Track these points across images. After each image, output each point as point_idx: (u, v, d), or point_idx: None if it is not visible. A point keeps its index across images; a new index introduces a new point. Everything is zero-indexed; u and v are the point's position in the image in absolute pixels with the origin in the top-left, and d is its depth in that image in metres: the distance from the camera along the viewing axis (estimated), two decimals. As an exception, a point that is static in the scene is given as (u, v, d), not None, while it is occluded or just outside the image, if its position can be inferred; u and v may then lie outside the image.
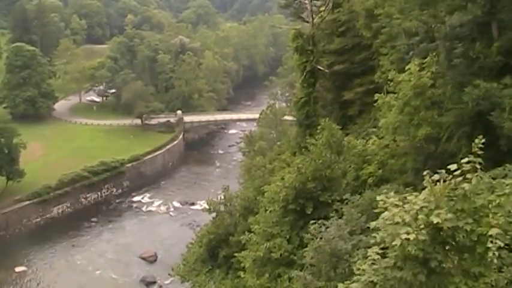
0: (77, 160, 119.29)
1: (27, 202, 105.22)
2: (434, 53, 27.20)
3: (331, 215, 27.70)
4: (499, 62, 25.76)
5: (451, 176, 13.49)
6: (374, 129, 36.19)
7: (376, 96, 30.91)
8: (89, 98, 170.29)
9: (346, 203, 28.44)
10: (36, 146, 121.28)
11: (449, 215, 12.94)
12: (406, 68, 27.51)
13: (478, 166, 13.32)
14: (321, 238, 25.50)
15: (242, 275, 39.29)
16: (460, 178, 13.31)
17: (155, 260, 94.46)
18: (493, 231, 12.66)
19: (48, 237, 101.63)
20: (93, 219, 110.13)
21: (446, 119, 26.55)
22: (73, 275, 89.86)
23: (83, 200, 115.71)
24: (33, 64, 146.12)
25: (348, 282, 16.31)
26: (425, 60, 27.15)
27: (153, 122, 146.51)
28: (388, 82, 29.83)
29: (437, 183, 13.58)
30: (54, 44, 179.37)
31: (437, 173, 13.73)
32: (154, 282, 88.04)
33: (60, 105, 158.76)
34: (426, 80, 26.57)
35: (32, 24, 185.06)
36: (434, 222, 12.88)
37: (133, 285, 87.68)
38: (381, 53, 42.77)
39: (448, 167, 13.55)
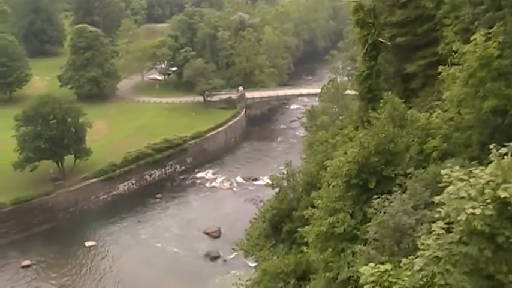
0: (141, 138, 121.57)
1: (94, 180, 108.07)
2: (501, 22, 26.39)
3: (395, 189, 27.41)
4: None
5: (519, 149, 13.18)
6: (438, 102, 35.47)
7: (440, 68, 30.27)
8: (151, 77, 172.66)
9: (410, 177, 28.08)
10: (101, 125, 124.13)
11: (517, 189, 12.66)
12: (471, 38, 26.78)
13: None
14: (384, 213, 25.32)
15: (305, 250, 39.43)
16: (529, 151, 12.99)
17: (219, 235, 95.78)
18: None
19: (115, 213, 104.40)
20: (158, 196, 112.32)
21: (514, 90, 25.81)
22: (139, 250, 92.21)
23: (147, 176, 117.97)
24: (96, 45, 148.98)
25: (412, 257, 16.21)
26: (492, 29, 26.37)
27: (215, 98, 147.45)
28: (452, 54, 29.14)
29: (505, 156, 13.29)
30: (115, 24, 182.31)
31: (504, 146, 13.42)
32: (218, 257, 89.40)
33: (123, 85, 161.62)
34: (492, 50, 25.82)
35: (94, 6, 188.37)
36: (502, 196, 12.63)
37: (198, 259, 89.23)
38: (444, 23, 41.74)
39: (516, 139, 13.23)
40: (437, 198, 14.32)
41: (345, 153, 33.57)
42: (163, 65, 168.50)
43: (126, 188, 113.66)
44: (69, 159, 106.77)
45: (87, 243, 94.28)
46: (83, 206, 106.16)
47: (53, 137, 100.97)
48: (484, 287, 13.77)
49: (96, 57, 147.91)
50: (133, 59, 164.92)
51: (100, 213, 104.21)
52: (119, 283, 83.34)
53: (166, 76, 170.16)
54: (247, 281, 54.06)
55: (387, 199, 26.27)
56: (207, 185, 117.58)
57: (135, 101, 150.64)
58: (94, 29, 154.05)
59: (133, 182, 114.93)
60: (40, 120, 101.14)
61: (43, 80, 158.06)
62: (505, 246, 13.29)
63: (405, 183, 27.92)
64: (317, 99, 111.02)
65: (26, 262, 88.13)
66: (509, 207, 12.88)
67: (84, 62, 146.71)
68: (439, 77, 30.93)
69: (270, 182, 56.41)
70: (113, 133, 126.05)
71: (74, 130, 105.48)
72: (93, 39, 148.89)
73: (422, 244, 15.16)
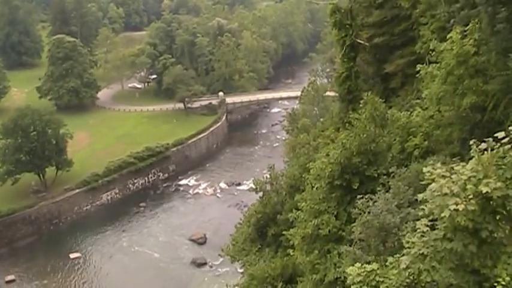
0: (123, 147, 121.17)
1: (77, 190, 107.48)
2: (476, 20, 26.61)
3: (378, 189, 27.54)
4: (545, 25, 25.08)
5: (498, 144, 13.30)
6: (417, 101, 35.74)
7: (418, 67, 30.47)
8: (130, 85, 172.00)
9: (393, 176, 28.22)
10: (83, 136, 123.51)
11: (499, 184, 12.77)
12: (448, 36, 26.98)
13: (527, 133, 13.09)
14: (368, 213, 25.43)
15: (291, 253, 39.50)
16: (509, 146, 13.12)
17: (205, 242, 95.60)
18: (545, 198, 12.47)
19: (99, 224, 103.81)
20: (142, 204, 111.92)
21: (492, 86, 26.00)
22: (124, 259, 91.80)
23: (130, 185, 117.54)
24: (74, 55, 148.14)
25: (398, 255, 16.32)
26: (467, 27, 26.59)
27: (195, 105, 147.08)
28: (430, 52, 29.34)
29: (485, 152, 13.40)
30: (93, 33, 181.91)
31: (484, 141, 13.54)
32: (205, 264, 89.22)
33: (103, 94, 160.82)
34: (469, 47, 26.04)
35: (71, 16, 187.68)
36: (484, 191, 12.74)
37: (184, 267, 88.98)
38: (420, 22, 42.07)
39: (496, 135, 13.35)
40: (420, 196, 14.41)
41: (327, 155, 33.63)
42: (142, 73, 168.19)
43: (109, 197, 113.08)
44: (50, 171, 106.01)
45: (72, 255, 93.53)
46: (67, 217, 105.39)
47: (33, 149, 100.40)
48: (470, 282, 13.88)
49: (74, 68, 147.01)
50: (112, 68, 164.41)
51: (84, 224, 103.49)
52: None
53: (146, 84, 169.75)
54: (234, 286, 54.03)
55: (371, 199, 26.39)
56: (191, 191, 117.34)
57: (116, 110, 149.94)
58: (72, 39, 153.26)
59: (117, 191, 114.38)
60: (20, 132, 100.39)
61: (22, 92, 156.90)
62: (489, 241, 13.40)
63: (388, 182, 28.05)
64: (297, 102, 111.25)
65: (10, 277, 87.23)
66: (491, 202, 13.00)
67: (63, 73, 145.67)
68: (417, 75, 31.13)
69: (253, 186, 56.42)
70: (94, 143, 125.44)
71: (54, 141, 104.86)
72: (71, 49, 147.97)
73: (408, 242, 15.25)
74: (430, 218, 14.20)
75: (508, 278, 12.82)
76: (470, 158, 13.69)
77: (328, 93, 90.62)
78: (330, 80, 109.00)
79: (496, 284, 12.89)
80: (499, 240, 13.45)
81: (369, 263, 18.25)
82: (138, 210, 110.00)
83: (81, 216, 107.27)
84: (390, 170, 29.05)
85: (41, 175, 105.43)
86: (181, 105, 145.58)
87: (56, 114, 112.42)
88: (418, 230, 14.65)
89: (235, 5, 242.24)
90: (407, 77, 44.28)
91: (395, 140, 32.86)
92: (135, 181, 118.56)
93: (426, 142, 30.39)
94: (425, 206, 14.01)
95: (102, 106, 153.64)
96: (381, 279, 16.46)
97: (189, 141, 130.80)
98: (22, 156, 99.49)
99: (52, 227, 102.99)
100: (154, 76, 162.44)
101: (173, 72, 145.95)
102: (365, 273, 16.98)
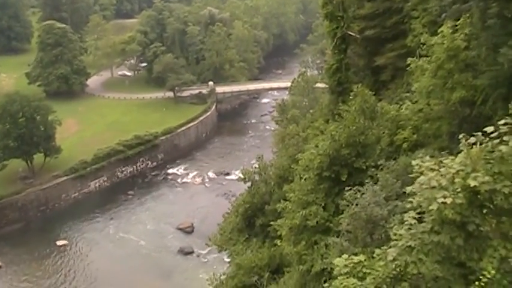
0: (112, 135, 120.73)
1: (65, 178, 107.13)
2: (467, 14, 26.67)
3: (366, 181, 27.64)
4: (535, 21, 25.15)
5: (487, 139, 13.38)
6: (407, 94, 35.80)
7: (409, 60, 30.53)
8: (120, 73, 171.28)
9: (381, 169, 28.34)
10: (71, 123, 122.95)
11: (487, 178, 12.86)
12: (439, 30, 27.04)
13: (515, 128, 13.16)
14: (356, 204, 25.53)
15: (279, 243, 39.64)
16: (497, 140, 13.19)
17: (192, 231, 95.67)
18: (532, 193, 12.56)
19: (86, 211, 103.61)
20: (130, 193, 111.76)
21: (481, 81, 26.08)
22: (111, 247, 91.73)
23: (119, 173, 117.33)
24: (64, 41, 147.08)
25: (385, 247, 16.39)
26: (459, 22, 26.64)
27: (185, 94, 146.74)
28: (421, 46, 29.40)
29: (474, 146, 13.48)
30: (84, 20, 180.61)
31: (473, 136, 13.61)
32: (192, 252, 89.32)
33: (93, 81, 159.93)
34: (460, 42, 26.11)
35: (62, 2, 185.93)
36: (472, 185, 12.82)
37: (172, 256, 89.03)
38: (412, 16, 42.12)
39: (485, 129, 13.42)
40: (408, 189, 14.48)
41: (316, 146, 33.74)
42: (132, 61, 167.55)
43: (97, 185, 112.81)
44: (39, 157, 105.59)
45: (59, 242, 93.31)
46: (54, 204, 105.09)
47: (21, 136, 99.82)
48: (456, 275, 13.98)
49: (64, 54, 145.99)
50: (102, 55, 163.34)
51: (71, 212, 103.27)
52: (92, 282, 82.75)
53: (136, 72, 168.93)
54: (221, 275, 54.12)
55: (359, 191, 26.49)
56: (179, 180, 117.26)
57: (105, 98, 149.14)
58: (62, 25, 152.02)
59: (105, 179, 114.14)
60: (8, 118, 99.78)
61: (10, 77, 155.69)
62: (475, 234, 13.50)
63: (376, 174, 28.16)
64: (287, 92, 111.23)
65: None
66: (478, 196, 13.09)
67: (52, 59, 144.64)
68: (408, 69, 31.18)
69: (242, 176, 56.62)
70: (83, 130, 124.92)
71: (43, 128, 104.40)
72: (62, 35, 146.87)
73: (395, 234, 15.32)
74: (418, 210, 14.27)
75: (493, 271, 12.93)
76: (459, 152, 13.76)
77: (318, 84, 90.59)
78: (320, 71, 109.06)
79: (481, 277, 13.00)
80: (486, 233, 13.56)
81: (356, 254, 18.33)
82: (126, 198, 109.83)
83: (69, 203, 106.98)
84: (379, 163, 29.17)
85: (29, 162, 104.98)
86: (171, 93, 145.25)
87: (45, 101, 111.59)
88: (406, 223, 14.73)
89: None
90: (398, 70, 44.34)
91: (384, 132, 32.97)
92: (124, 169, 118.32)
93: (415, 135, 30.49)
94: (413, 198, 14.09)
95: (92, 93, 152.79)
96: (368, 271, 16.55)
97: (178, 130, 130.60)
98: (10, 142, 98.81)
99: (39, 213, 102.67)
100: (145, 64, 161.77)
101: (163, 60, 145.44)
102: (352, 264, 17.06)
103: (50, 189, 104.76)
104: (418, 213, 14.38)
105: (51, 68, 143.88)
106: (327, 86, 56.41)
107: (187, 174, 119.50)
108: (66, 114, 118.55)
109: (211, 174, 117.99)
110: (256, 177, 55.27)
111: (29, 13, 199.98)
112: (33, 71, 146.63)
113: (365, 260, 17.15)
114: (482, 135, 13.46)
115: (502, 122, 13.17)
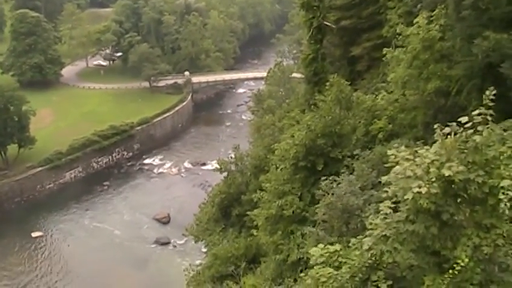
0: (87, 125, 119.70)
1: (40, 168, 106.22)
2: (442, 5, 26.86)
3: (342, 171, 27.78)
4: (509, 13, 25.21)
5: (462, 129, 13.49)
6: (383, 84, 36.03)
7: (385, 50, 30.70)
8: (95, 63, 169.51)
9: (357, 159, 28.50)
10: (46, 113, 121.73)
11: (461, 168, 12.97)
12: (414, 21, 27.24)
13: (489, 118, 13.29)
14: (332, 194, 25.64)
15: (255, 233, 39.77)
16: (471, 130, 13.31)
17: (168, 221, 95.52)
18: (505, 183, 12.70)
19: (62, 202, 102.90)
20: (106, 183, 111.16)
21: (456, 72, 26.33)
22: (87, 238, 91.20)
23: (94, 164, 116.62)
24: (38, 30, 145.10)
25: (361, 237, 16.50)
26: (434, 12, 26.84)
27: (161, 84, 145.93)
28: (396, 36, 29.60)
29: (448, 136, 13.59)
30: (58, 9, 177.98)
31: (447, 126, 13.72)
32: (168, 243, 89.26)
33: (68, 71, 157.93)
34: (435, 33, 26.32)
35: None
36: (446, 175, 12.92)
37: (148, 246, 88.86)
38: (388, 6, 42.33)
39: (459, 119, 13.53)
40: (384, 179, 14.56)
41: (292, 136, 33.81)
42: (107, 51, 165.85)
43: (72, 176, 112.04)
44: (12, 148, 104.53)
45: (34, 234, 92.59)
46: (29, 195, 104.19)
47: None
48: (430, 263, 14.12)
49: (38, 43, 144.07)
50: (77, 44, 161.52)
51: (46, 203, 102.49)
52: (68, 273, 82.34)
53: (111, 62, 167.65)
54: (198, 266, 54.14)
55: (335, 181, 26.61)
56: (155, 171, 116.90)
57: (80, 88, 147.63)
58: (36, 14, 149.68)
59: (80, 170, 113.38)
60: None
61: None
62: (449, 223, 13.63)
63: (352, 164, 28.33)
64: (263, 82, 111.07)
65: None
66: (453, 185, 13.20)
67: (26, 48, 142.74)
68: (383, 59, 31.38)
69: (218, 166, 56.57)
70: (58, 120, 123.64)
71: (17, 118, 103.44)
72: (35, 24, 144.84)
73: (370, 224, 15.41)
74: (393, 200, 14.36)
75: (466, 260, 13.08)
76: (434, 142, 13.87)
77: (294, 74, 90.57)
78: (296, 61, 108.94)
79: (455, 265, 13.15)
80: (459, 222, 13.70)
81: (331, 244, 18.42)
82: (102, 189, 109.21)
83: (44, 194, 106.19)
84: (354, 152, 29.34)
85: (2, 152, 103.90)
86: (146, 83, 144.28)
87: (18, 91, 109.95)
88: (381, 212, 14.81)
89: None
90: (374, 61, 44.58)
91: (360, 122, 33.14)
92: (99, 160, 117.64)
93: (390, 125, 30.72)
94: (389, 188, 14.17)
95: (66, 83, 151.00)
96: (344, 260, 16.64)
97: (154, 120, 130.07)
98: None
99: (14, 205, 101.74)
100: (120, 54, 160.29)
101: (139, 50, 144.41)
102: (328, 254, 17.14)
103: (24, 180, 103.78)
104: (394, 202, 14.47)
105: (24, 57, 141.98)
106: (303, 76, 56.55)
107: (164, 164, 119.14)
108: (41, 104, 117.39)
109: (187, 165, 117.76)
110: (233, 168, 55.27)
111: (1, 1, 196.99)
112: (6, 60, 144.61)
113: (341, 249, 17.24)
114: (457, 125, 13.57)
115: (476, 112, 13.29)
